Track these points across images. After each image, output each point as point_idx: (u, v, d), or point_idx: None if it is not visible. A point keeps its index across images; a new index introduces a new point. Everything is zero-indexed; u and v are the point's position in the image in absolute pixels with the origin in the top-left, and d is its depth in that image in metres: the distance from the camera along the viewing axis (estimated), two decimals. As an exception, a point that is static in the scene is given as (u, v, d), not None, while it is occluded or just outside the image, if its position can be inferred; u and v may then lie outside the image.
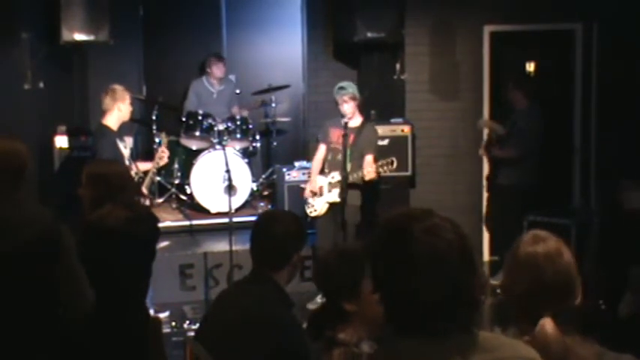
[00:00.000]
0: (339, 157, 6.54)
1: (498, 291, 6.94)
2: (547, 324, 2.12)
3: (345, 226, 6.40)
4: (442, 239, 1.70)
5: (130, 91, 6.55)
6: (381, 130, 7.62)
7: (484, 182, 7.75)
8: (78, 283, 3.24)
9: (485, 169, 7.94)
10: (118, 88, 6.34)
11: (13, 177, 3.22)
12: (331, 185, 6.59)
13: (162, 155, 6.43)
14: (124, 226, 3.46)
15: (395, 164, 6.43)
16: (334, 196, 6.55)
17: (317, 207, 6.67)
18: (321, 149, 6.78)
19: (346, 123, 6.42)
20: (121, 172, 3.74)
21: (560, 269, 2.25)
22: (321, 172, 6.78)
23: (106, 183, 3.61)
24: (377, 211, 7.19)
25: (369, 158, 6.48)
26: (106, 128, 6.26)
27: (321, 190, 6.68)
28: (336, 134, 6.63)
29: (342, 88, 6.53)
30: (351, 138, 6.50)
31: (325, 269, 2.95)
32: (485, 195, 8.00)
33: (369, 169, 6.31)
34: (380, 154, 6.69)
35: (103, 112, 6.36)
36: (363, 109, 7.59)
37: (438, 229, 1.72)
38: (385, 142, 7.55)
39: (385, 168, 6.37)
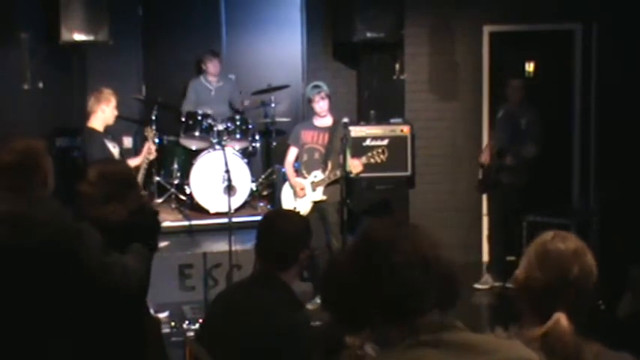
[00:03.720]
0: (317, 156, 6.64)
1: (494, 284, 6.90)
2: (562, 318, 2.13)
3: (345, 225, 6.42)
4: (400, 253, 1.81)
5: (116, 94, 6.54)
6: (381, 130, 7.64)
7: (481, 179, 7.68)
8: (113, 269, 3.31)
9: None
10: (105, 90, 6.40)
11: (30, 175, 3.27)
12: (314, 184, 6.64)
13: (151, 150, 6.54)
14: (126, 223, 3.49)
15: (386, 153, 6.47)
16: (319, 194, 6.61)
17: (301, 209, 6.69)
18: (292, 152, 6.82)
19: (346, 123, 6.44)
20: (129, 171, 3.77)
21: (586, 267, 2.27)
22: (296, 174, 6.81)
23: (114, 182, 3.62)
24: (370, 207, 7.25)
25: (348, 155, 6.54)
26: (93, 130, 6.31)
27: (304, 191, 6.70)
28: (309, 135, 6.70)
29: (317, 86, 6.62)
30: (327, 137, 6.59)
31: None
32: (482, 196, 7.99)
33: (355, 164, 6.39)
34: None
35: (88, 114, 6.40)
36: (361, 109, 7.62)
37: (398, 243, 1.84)
38: (384, 142, 7.55)
39: (376, 157, 6.41)
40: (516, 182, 7.17)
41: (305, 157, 6.72)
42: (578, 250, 2.29)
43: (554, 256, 2.27)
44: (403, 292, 1.79)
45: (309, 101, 6.65)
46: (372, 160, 6.44)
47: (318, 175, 6.62)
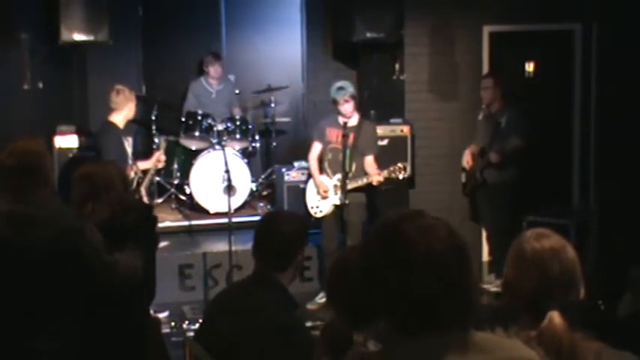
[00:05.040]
0: (341, 157, 6.53)
1: (495, 289, 6.94)
2: (555, 317, 2.12)
3: (345, 226, 6.39)
4: (436, 238, 1.69)
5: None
6: (381, 130, 7.61)
7: (465, 183, 7.65)
8: (116, 268, 3.35)
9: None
10: (127, 89, 6.43)
11: (35, 176, 3.29)
12: (337, 187, 6.54)
13: (160, 159, 6.62)
14: (109, 223, 3.52)
15: (408, 170, 6.42)
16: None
17: (322, 209, 6.64)
18: (316, 147, 6.70)
19: (345, 123, 6.39)
20: (107, 172, 3.76)
21: (566, 264, 2.26)
22: (320, 171, 6.73)
23: (89, 182, 3.64)
24: (380, 208, 7.22)
25: (369, 159, 6.45)
26: (113, 125, 6.33)
27: (327, 193, 6.65)
28: (334, 134, 6.57)
29: (341, 88, 6.45)
30: (351, 137, 6.47)
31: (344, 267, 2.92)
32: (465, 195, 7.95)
33: (378, 178, 6.31)
34: (379, 154, 6.69)
35: (110, 110, 6.41)
36: (361, 109, 7.57)
37: (432, 228, 1.71)
38: (385, 142, 7.55)
39: (397, 173, 6.34)
40: (503, 179, 7.12)
41: (329, 156, 6.61)
42: (555, 248, 2.28)
43: (531, 257, 2.26)
44: (435, 293, 1.68)
45: (334, 102, 6.48)
46: (392, 175, 6.37)
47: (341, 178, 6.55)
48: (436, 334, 1.70)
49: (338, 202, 6.52)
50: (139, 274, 3.48)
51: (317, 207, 6.65)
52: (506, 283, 2.32)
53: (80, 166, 3.92)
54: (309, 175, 6.88)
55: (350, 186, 6.38)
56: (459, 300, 1.70)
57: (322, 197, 6.61)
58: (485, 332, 1.87)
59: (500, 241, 7.21)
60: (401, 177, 6.41)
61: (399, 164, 6.39)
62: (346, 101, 6.42)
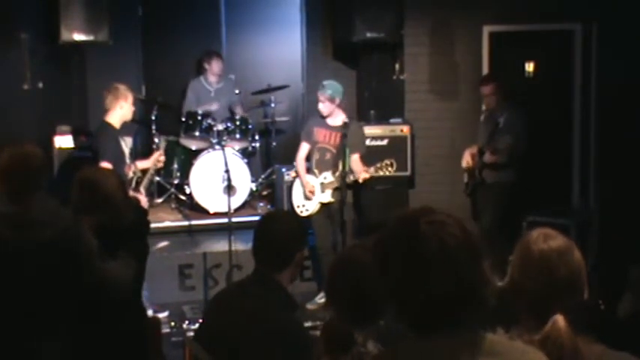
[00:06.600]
0: (328, 156, 6.56)
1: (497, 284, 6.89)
2: (560, 320, 2.11)
3: (344, 226, 6.39)
4: (449, 235, 1.69)
5: (133, 91, 6.58)
6: (381, 130, 7.64)
7: (467, 182, 7.63)
8: (106, 274, 3.38)
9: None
10: (121, 86, 6.36)
11: (33, 178, 3.34)
12: (323, 186, 6.56)
13: (160, 159, 6.58)
14: (103, 226, 3.54)
15: (394, 166, 6.42)
16: (327, 196, 6.55)
17: (309, 207, 6.66)
18: (304, 148, 6.72)
19: (345, 123, 6.40)
20: (109, 181, 3.73)
21: (573, 266, 2.24)
22: (307, 171, 6.75)
23: (90, 191, 3.62)
24: (370, 207, 7.21)
25: (355, 157, 6.45)
26: (109, 125, 6.29)
27: (313, 193, 6.66)
28: (321, 134, 6.61)
29: (322, 86, 6.53)
30: (338, 137, 6.48)
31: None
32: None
33: (364, 175, 6.31)
34: (379, 154, 6.69)
35: (105, 111, 6.37)
36: (361, 109, 7.59)
37: (445, 224, 1.71)
38: (384, 142, 7.55)
39: (384, 170, 6.35)
40: (501, 179, 7.10)
41: (317, 156, 6.64)
42: (562, 249, 2.26)
43: (538, 258, 2.25)
44: (448, 289, 1.67)
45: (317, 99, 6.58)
46: (380, 172, 6.38)
47: (328, 176, 6.53)
48: (447, 334, 1.68)
49: (325, 200, 6.55)
50: (129, 282, 3.49)
51: (303, 205, 6.67)
52: (511, 284, 2.30)
53: (77, 166, 3.92)
54: (296, 175, 6.89)
55: (336, 184, 6.40)
56: (471, 297, 1.69)
57: (309, 198, 6.63)
58: (491, 334, 1.86)
59: (499, 241, 7.19)
60: (388, 173, 6.41)
61: (386, 161, 6.40)
62: (320, 101, 6.47)
